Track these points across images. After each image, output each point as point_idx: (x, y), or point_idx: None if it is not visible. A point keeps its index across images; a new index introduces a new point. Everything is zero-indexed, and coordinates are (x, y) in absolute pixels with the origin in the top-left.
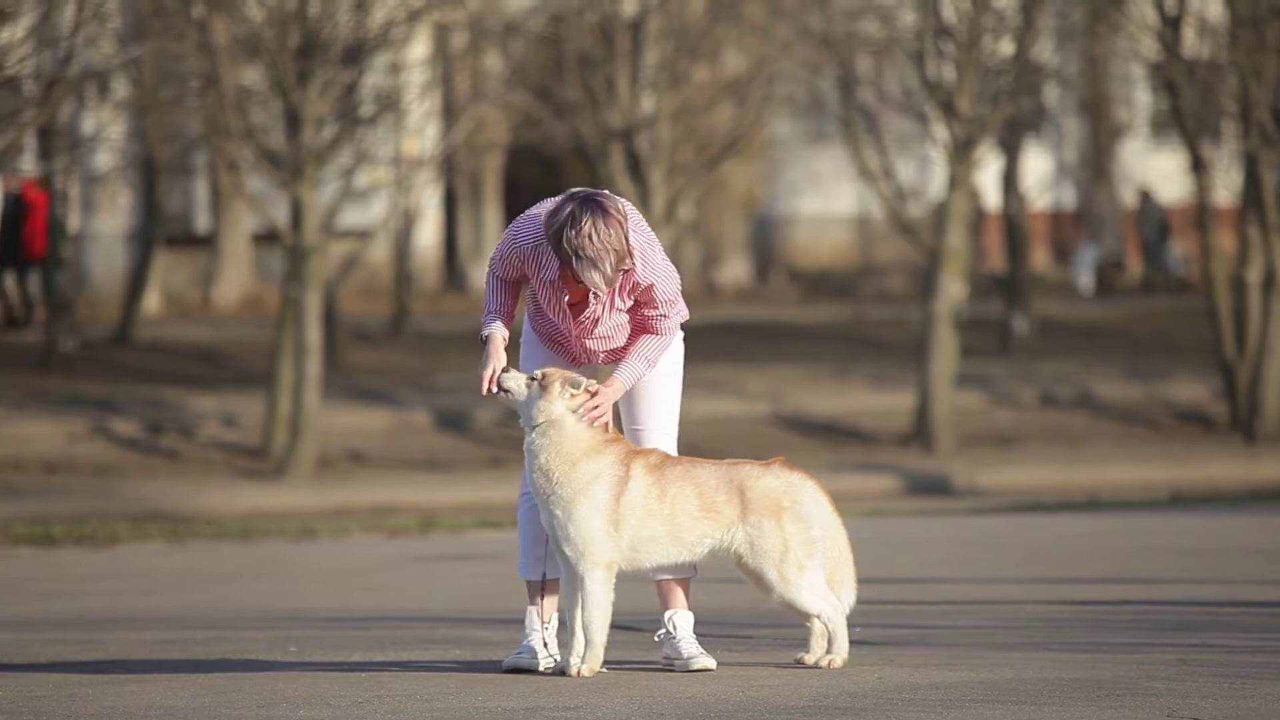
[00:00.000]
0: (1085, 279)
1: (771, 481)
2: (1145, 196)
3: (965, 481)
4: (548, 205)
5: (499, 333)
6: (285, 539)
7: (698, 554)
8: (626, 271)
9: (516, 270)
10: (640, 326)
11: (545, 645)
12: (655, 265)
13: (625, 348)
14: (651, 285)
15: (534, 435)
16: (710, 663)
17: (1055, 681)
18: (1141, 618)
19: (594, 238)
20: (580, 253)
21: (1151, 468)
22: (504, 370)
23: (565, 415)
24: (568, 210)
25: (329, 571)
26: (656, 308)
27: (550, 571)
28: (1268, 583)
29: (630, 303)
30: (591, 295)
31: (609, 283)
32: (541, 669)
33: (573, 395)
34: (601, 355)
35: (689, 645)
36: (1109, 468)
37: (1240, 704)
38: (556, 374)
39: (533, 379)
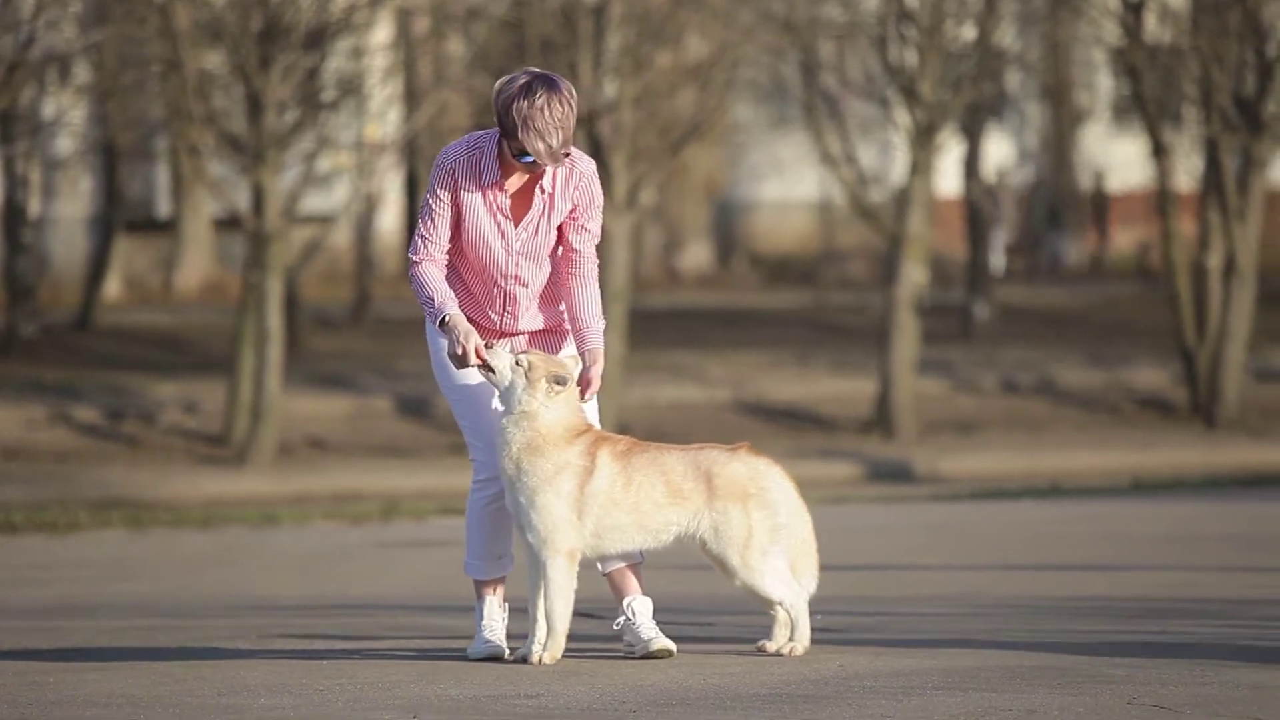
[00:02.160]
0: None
1: (738, 467)
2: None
3: (927, 468)
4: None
5: (457, 312)
6: (247, 526)
7: (663, 541)
8: (566, 156)
9: (449, 202)
10: (564, 267)
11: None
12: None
13: (547, 325)
14: (593, 200)
15: (507, 423)
16: (670, 645)
17: (1017, 668)
18: (1103, 605)
19: (545, 111)
20: (530, 123)
21: (1113, 454)
22: (486, 346)
23: (543, 410)
24: (522, 81)
25: (291, 559)
26: (590, 230)
27: (498, 570)
28: (1229, 569)
29: (568, 210)
30: (537, 190)
31: (554, 158)
32: (507, 656)
33: (558, 393)
34: (523, 324)
35: (648, 629)
36: (1070, 454)
37: (1201, 690)
38: (541, 367)
39: (518, 363)
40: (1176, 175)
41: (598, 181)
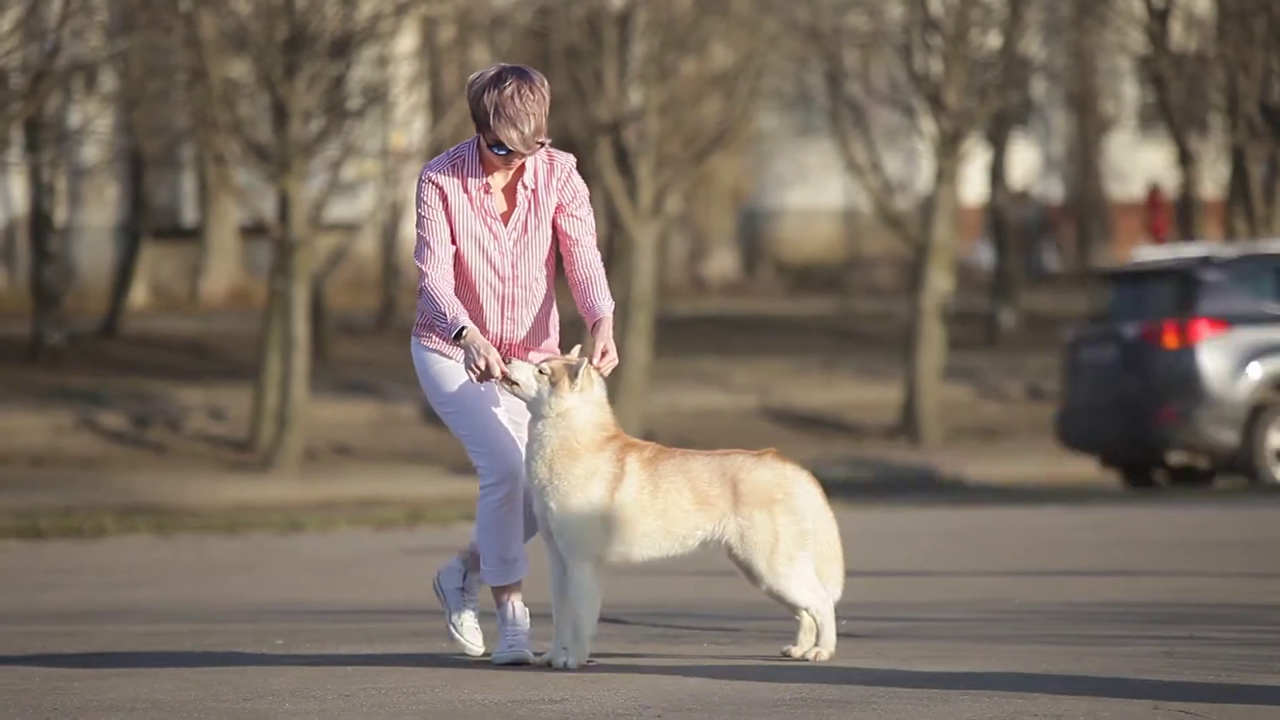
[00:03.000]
0: (1049, 262)
1: (764, 473)
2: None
3: (952, 474)
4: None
5: (473, 325)
6: (272, 532)
7: (689, 546)
8: (541, 145)
9: (440, 208)
10: (568, 260)
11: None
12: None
13: (543, 327)
14: (576, 192)
15: (542, 425)
16: (529, 655)
17: (1042, 674)
18: (1128, 610)
19: (515, 99)
20: (501, 109)
21: None
22: (515, 361)
23: (577, 406)
24: (492, 72)
25: (316, 564)
26: (582, 218)
27: (513, 575)
28: (1254, 575)
29: (553, 205)
30: (520, 187)
31: (527, 145)
32: (532, 660)
33: (581, 389)
34: (525, 335)
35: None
36: (1095, 460)
37: (1227, 696)
38: (561, 368)
39: (541, 372)
40: (1202, 183)
41: (579, 176)
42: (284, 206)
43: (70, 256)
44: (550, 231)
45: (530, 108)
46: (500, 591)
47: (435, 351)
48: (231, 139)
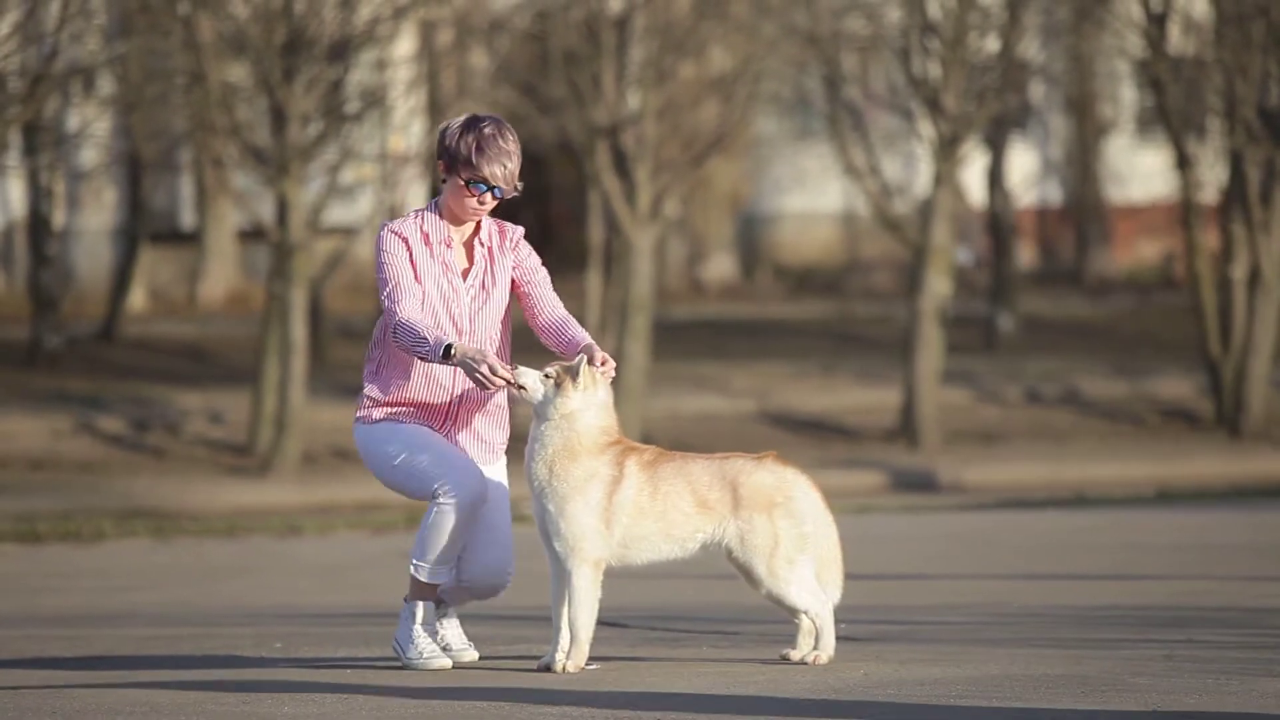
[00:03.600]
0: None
1: (764, 477)
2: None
3: (951, 478)
4: None
5: (458, 340)
6: (271, 536)
7: (689, 550)
8: (518, 192)
9: (404, 256)
10: (543, 321)
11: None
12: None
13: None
14: (530, 253)
15: (545, 428)
16: (448, 663)
17: (1041, 677)
18: (1128, 614)
19: (497, 139)
20: (484, 147)
21: (1137, 464)
22: (519, 368)
23: (581, 408)
24: (466, 117)
25: (315, 568)
26: (543, 274)
27: (444, 578)
28: (1253, 579)
29: (509, 266)
30: (476, 244)
31: (507, 182)
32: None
33: (584, 388)
34: (476, 407)
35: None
36: (1095, 464)
37: (1225, 700)
38: (564, 372)
39: (548, 376)
40: (1201, 187)
41: (527, 244)
42: (282, 210)
43: (68, 260)
44: (506, 296)
45: (509, 148)
46: (426, 589)
47: (377, 422)
48: (230, 142)
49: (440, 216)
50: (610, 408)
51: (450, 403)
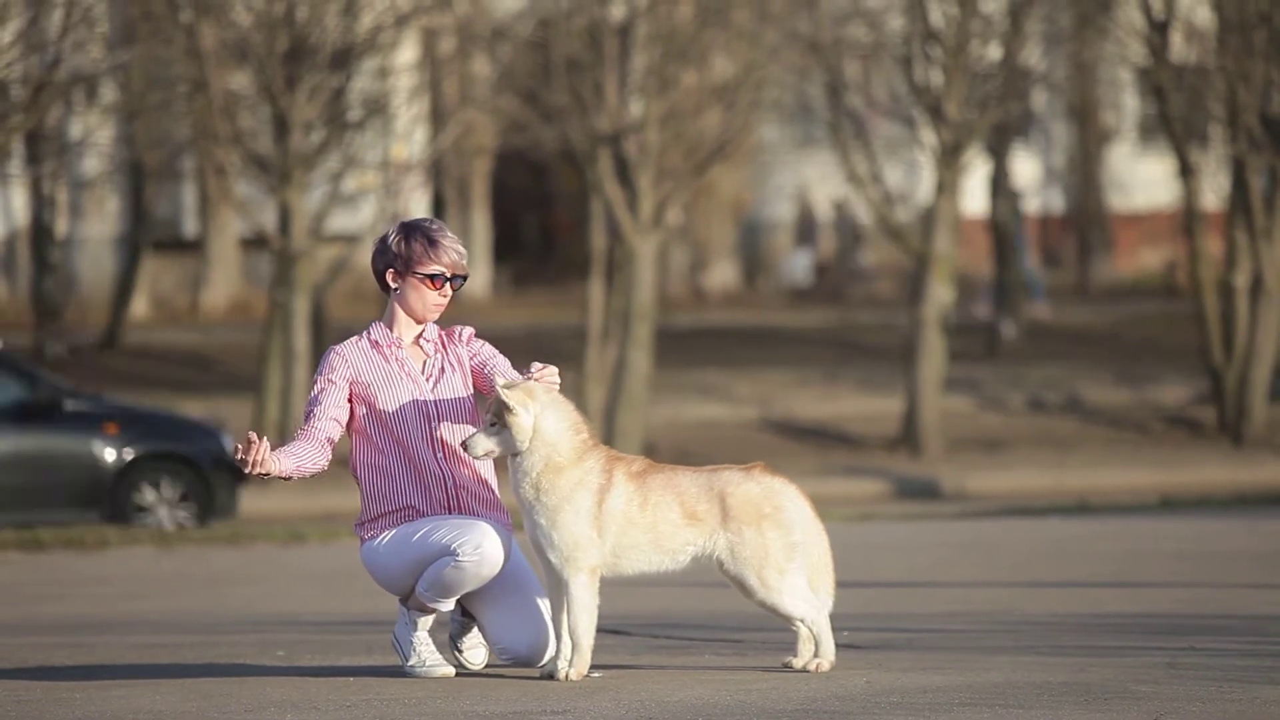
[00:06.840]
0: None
1: (752, 488)
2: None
3: (953, 486)
4: None
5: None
6: (274, 543)
7: (681, 561)
8: (465, 279)
9: (343, 386)
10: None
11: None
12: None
13: (482, 467)
14: (484, 344)
15: (521, 457)
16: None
17: (1043, 685)
18: (1130, 621)
19: (443, 231)
20: (436, 238)
21: (1140, 472)
22: (465, 440)
23: (540, 423)
24: (400, 223)
25: (317, 575)
26: (501, 362)
27: (446, 606)
28: (1256, 587)
29: (465, 356)
30: (422, 343)
31: (462, 270)
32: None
33: (521, 404)
34: (467, 471)
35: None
36: (1097, 472)
37: (1228, 708)
38: (497, 401)
39: (491, 424)
40: (1203, 194)
41: (479, 338)
42: (284, 218)
43: (71, 268)
44: (468, 377)
45: (453, 239)
46: (428, 608)
47: (377, 537)
48: (232, 150)
49: (389, 328)
50: (562, 401)
51: (445, 493)
